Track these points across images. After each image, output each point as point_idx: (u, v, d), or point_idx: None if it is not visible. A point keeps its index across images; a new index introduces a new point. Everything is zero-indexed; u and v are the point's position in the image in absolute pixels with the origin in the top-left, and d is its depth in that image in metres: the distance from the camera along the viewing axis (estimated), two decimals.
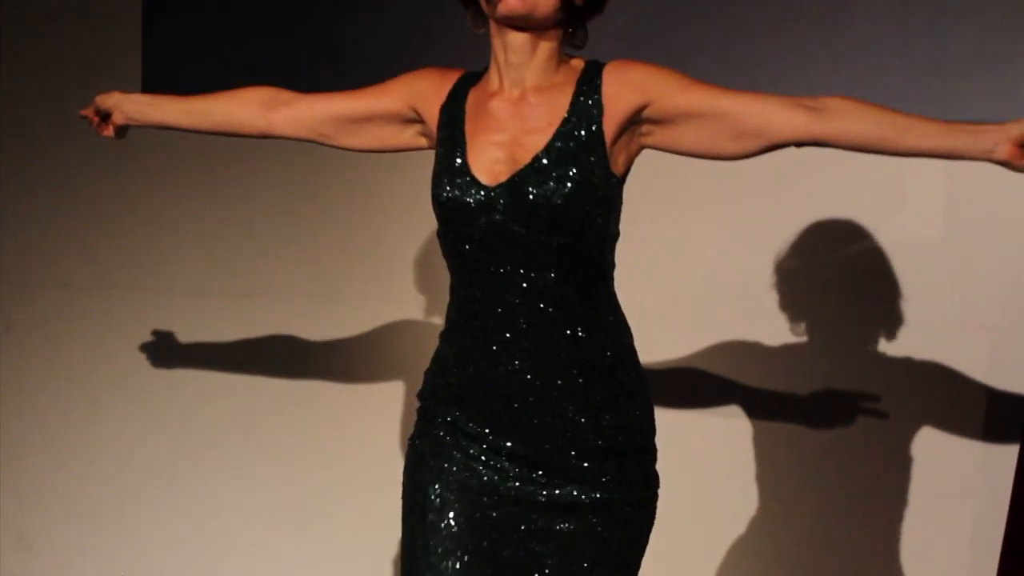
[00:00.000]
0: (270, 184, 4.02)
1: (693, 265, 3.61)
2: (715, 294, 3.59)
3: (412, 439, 2.50)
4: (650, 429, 2.46)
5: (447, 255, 2.46)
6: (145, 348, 4.13)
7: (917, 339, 3.50)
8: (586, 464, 2.39)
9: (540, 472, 2.39)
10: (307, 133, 2.63)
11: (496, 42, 2.41)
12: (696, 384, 3.60)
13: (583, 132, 2.35)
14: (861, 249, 3.53)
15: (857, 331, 3.53)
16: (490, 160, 2.38)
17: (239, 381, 4.07)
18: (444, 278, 2.51)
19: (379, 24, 3.85)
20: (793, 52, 3.51)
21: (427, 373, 2.53)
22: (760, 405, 3.57)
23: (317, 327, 4.00)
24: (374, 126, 2.58)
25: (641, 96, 2.36)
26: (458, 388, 2.43)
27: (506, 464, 2.40)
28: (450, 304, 2.48)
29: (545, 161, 2.34)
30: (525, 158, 2.35)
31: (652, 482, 2.46)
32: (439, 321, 3.85)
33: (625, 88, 2.36)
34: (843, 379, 3.54)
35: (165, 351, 4.11)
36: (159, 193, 4.12)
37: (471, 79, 2.49)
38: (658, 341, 3.45)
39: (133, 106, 2.80)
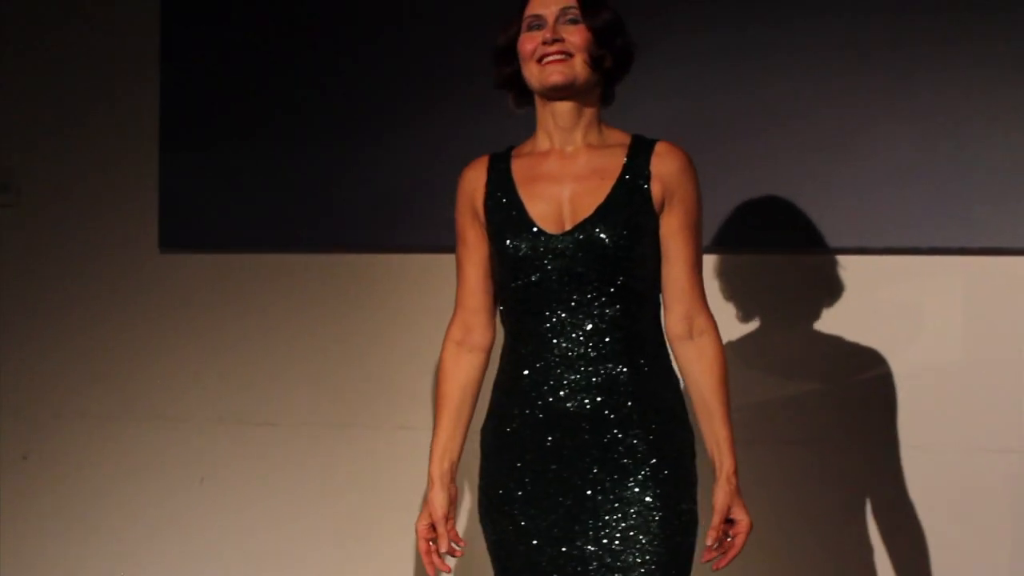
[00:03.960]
0: (286, 312, 4.03)
1: None
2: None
3: (480, 490, 2.76)
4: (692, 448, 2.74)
5: (510, 307, 2.72)
6: (164, 477, 4.12)
7: (939, 463, 3.47)
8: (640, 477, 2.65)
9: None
10: (495, 312, 2.81)
11: (544, 113, 2.73)
12: None
13: (637, 189, 2.67)
14: (880, 373, 3.52)
15: (879, 456, 3.51)
16: (551, 211, 2.68)
17: (259, 511, 4.05)
18: None
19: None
20: (810, 180, 3.54)
21: (484, 430, 2.77)
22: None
23: (336, 455, 3.98)
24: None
25: (669, 195, 2.68)
26: (519, 433, 2.69)
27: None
28: (509, 354, 2.73)
29: (608, 209, 2.65)
30: (589, 207, 2.66)
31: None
32: None
33: (667, 174, 2.69)
34: (867, 507, 3.50)
35: (184, 480, 4.10)
36: (175, 322, 4.13)
37: (504, 154, 2.79)
38: None
39: (449, 482, 2.77)
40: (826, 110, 3.55)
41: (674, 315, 2.69)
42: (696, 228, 2.71)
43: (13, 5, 4.28)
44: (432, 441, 2.77)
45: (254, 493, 4.05)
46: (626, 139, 2.74)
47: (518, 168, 2.74)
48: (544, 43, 2.66)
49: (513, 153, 2.78)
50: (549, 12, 2.68)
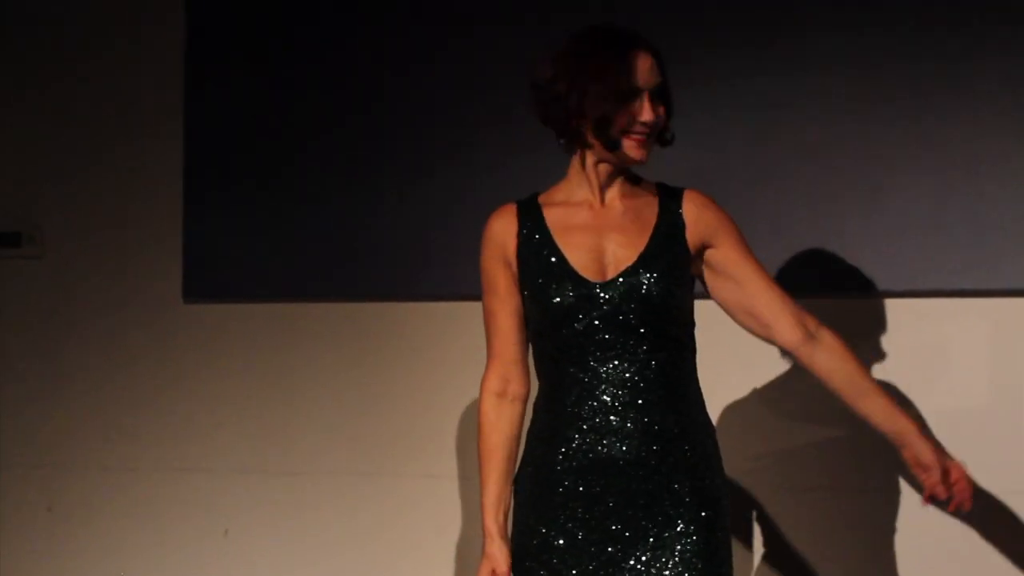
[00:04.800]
0: (310, 361, 4.03)
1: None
2: (751, 469, 3.56)
3: (512, 539, 2.75)
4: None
5: (551, 356, 2.71)
6: (188, 529, 4.11)
7: None
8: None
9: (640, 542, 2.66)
10: (527, 360, 2.81)
11: (590, 168, 2.72)
12: None
13: (672, 238, 2.71)
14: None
15: (906, 501, 3.48)
16: (591, 260, 2.70)
17: (284, 561, 4.03)
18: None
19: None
20: (833, 227, 3.54)
21: (519, 479, 2.77)
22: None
23: (359, 504, 3.97)
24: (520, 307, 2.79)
25: (710, 236, 2.74)
26: (562, 481, 2.68)
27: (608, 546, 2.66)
28: (548, 403, 2.73)
29: (649, 257, 2.67)
30: (630, 256, 2.68)
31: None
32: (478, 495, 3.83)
33: (701, 220, 2.74)
34: (892, 552, 3.48)
35: (208, 532, 4.09)
36: (199, 373, 4.13)
37: (532, 202, 2.78)
38: None
39: (502, 541, 2.76)
40: (848, 156, 3.54)
41: (784, 326, 2.74)
42: (751, 250, 2.78)
43: (37, 60, 4.32)
44: (483, 495, 2.76)
45: (278, 543, 4.03)
46: (653, 188, 2.78)
47: (552, 217, 2.74)
48: (644, 123, 2.65)
49: (542, 201, 2.78)
50: (647, 86, 2.66)
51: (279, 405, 4.06)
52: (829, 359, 2.74)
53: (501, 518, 2.75)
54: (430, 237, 3.88)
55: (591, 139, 2.67)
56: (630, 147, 2.66)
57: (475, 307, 2.90)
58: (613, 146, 2.65)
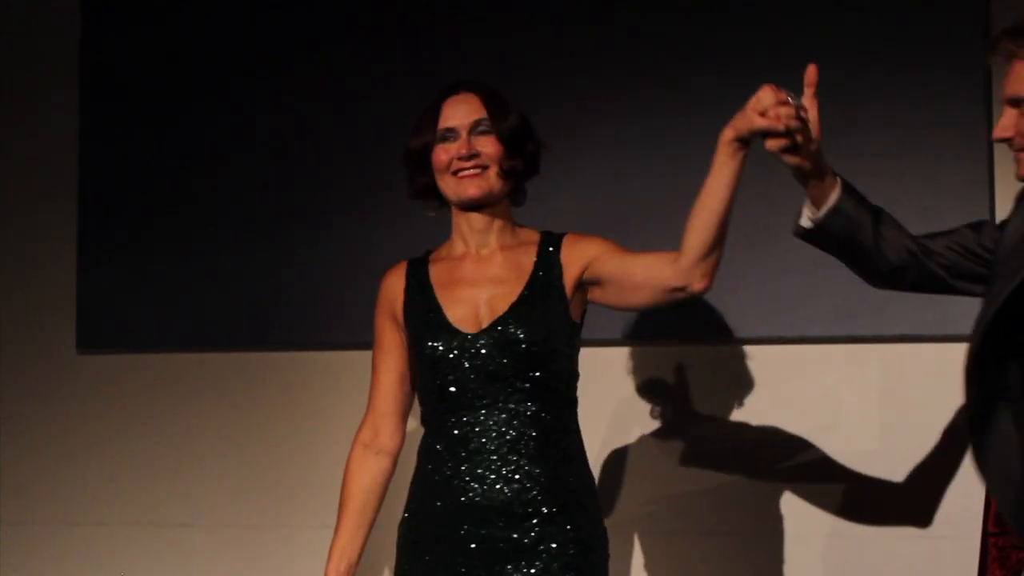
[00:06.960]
0: (203, 412, 4.01)
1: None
2: (645, 514, 3.58)
3: None
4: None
5: (431, 407, 2.77)
6: None
7: (860, 550, 3.48)
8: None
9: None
10: (406, 416, 2.87)
11: (459, 218, 2.80)
12: None
13: (548, 285, 2.74)
14: (799, 462, 3.54)
15: (800, 546, 3.52)
16: (469, 313, 2.74)
17: None
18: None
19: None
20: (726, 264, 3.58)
21: (399, 525, 2.79)
22: None
23: (254, 556, 3.94)
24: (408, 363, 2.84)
25: (587, 259, 2.74)
26: (438, 526, 2.72)
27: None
28: (426, 451, 2.77)
29: (521, 306, 2.72)
30: (503, 305, 2.72)
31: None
32: (377, 548, 3.81)
33: (575, 254, 2.75)
34: None
35: None
36: (92, 424, 4.08)
37: (422, 259, 2.86)
38: None
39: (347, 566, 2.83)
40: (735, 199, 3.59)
41: (659, 267, 2.62)
42: (622, 248, 2.73)
43: None
44: (332, 541, 2.81)
45: None
46: (535, 236, 2.82)
47: (435, 272, 2.82)
48: (460, 158, 2.74)
49: (430, 258, 2.85)
50: (462, 124, 2.76)
51: (172, 456, 4.02)
52: (687, 236, 2.58)
53: (343, 567, 2.81)
54: (326, 288, 3.89)
55: (440, 189, 2.77)
56: (457, 184, 2.74)
57: (370, 357, 2.92)
58: (447, 186, 2.75)
